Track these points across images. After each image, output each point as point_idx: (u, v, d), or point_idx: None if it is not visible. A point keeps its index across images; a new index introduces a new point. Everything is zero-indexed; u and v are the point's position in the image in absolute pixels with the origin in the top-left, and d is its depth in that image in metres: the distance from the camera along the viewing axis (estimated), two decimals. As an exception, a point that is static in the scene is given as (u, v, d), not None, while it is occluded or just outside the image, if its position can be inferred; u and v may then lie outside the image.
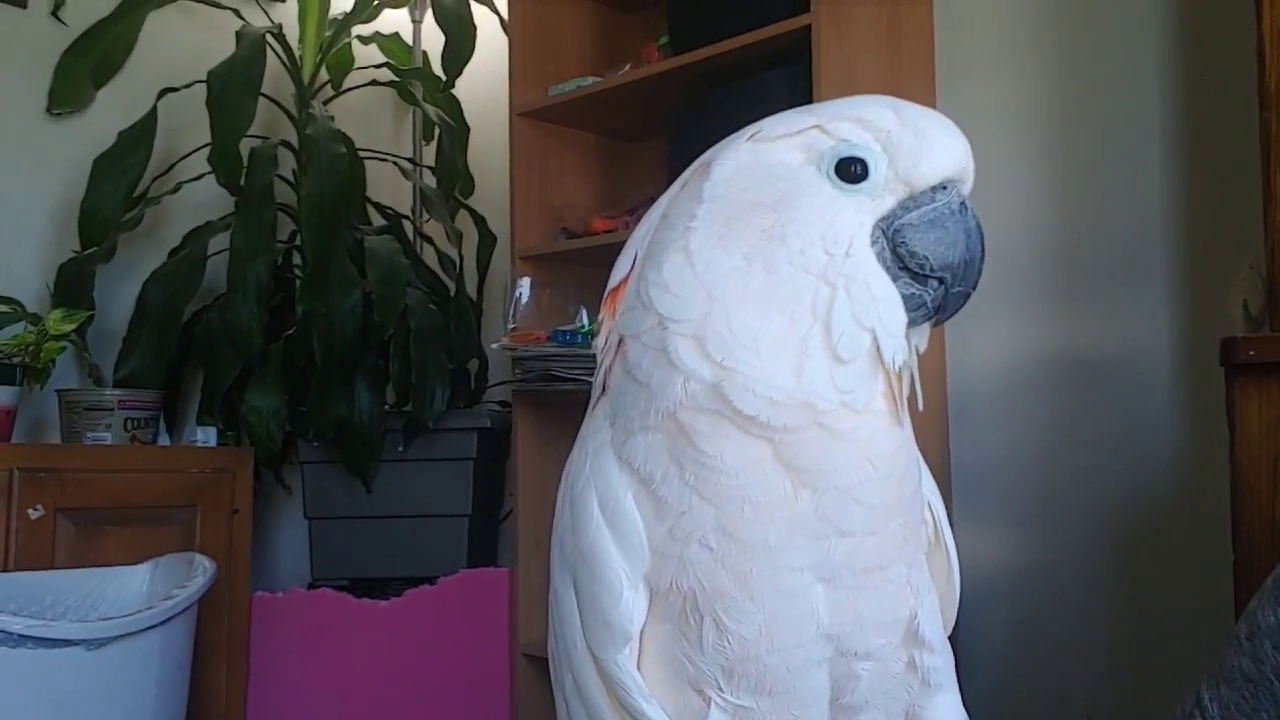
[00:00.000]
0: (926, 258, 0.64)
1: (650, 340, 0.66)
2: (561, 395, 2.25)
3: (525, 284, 2.42)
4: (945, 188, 0.65)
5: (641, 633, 0.66)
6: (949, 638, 0.73)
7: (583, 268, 2.44)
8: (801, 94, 2.00)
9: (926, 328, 0.68)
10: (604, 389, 0.72)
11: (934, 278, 0.65)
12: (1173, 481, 1.85)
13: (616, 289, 0.71)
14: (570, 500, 0.69)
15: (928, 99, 2.15)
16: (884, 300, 0.64)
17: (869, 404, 0.64)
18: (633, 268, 0.70)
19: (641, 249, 0.70)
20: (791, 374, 0.62)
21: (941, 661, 0.70)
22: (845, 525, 0.64)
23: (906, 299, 0.65)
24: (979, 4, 2.14)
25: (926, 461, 2.16)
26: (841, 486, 0.64)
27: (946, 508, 2.17)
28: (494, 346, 2.43)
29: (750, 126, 0.69)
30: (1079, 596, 1.96)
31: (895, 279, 0.65)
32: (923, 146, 0.64)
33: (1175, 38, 1.89)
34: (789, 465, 0.63)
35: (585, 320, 2.28)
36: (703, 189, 0.66)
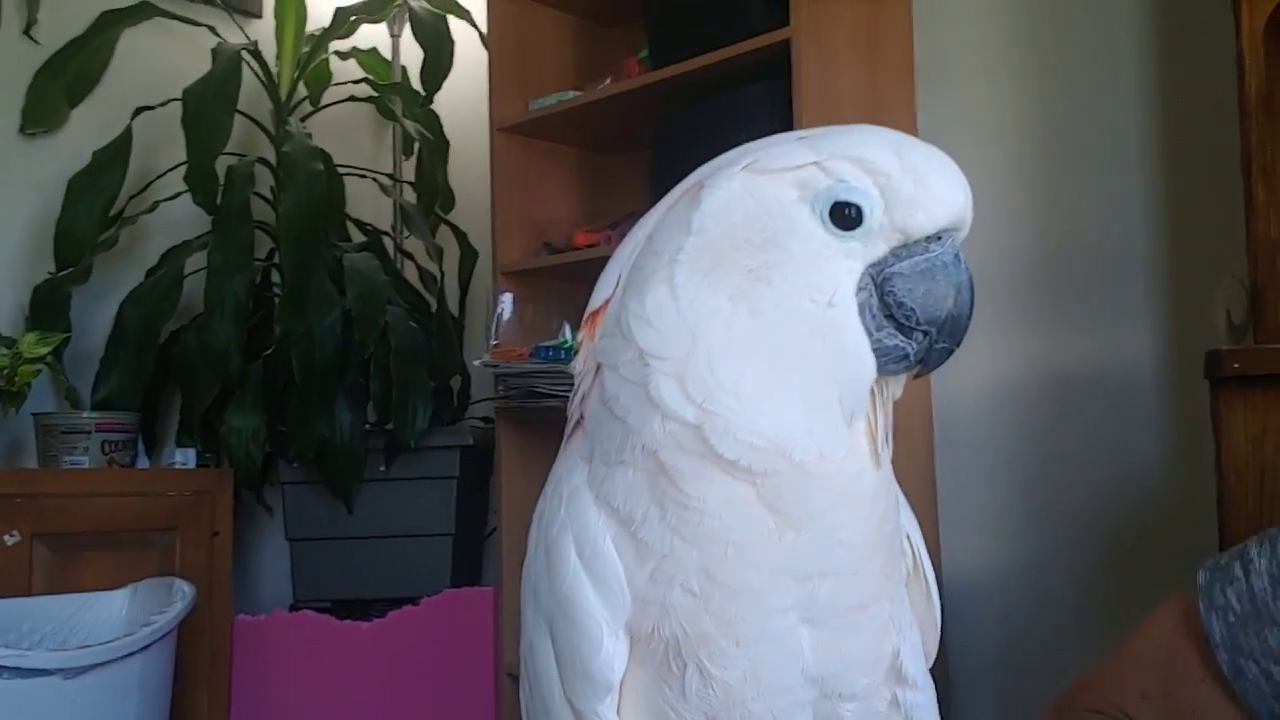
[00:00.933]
0: (914, 310, 0.63)
1: (629, 374, 0.64)
2: (545, 412, 2.23)
3: (507, 300, 2.41)
4: (940, 238, 0.63)
5: (622, 681, 0.64)
6: (931, 669, 0.72)
7: (565, 283, 2.42)
8: (782, 107, 2.00)
9: (903, 377, 0.66)
10: (580, 418, 0.70)
11: (919, 330, 0.63)
12: (1159, 494, 1.85)
13: (598, 311, 0.69)
14: (545, 545, 0.67)
15: (907, 111, 2.15)
16: (852, 354, 0.62)
17: (849, 450, 0.63)
18: (615, 289, 0.68)
19: (625, 270, 0.68)
20: (771, 421, 0.61)
21: (924, 698, 0.69)
22: (829, 566, 0.62)
23: (889, 349, 0.63)
24: (959, 17, 2.13)
25: (913, 476, 2.16)
26: (824, 527, 0.62)
27: (933, 522, 2.18)
28: (476, 363, 2.42)
29: (747, 151, 0.66)
30: (1069, 610, 1.95)
31: (880, 328, 0.63)
32: (921, 195, 0.62)
33: (1154, 48, 1.89)
34: (771, 507, 0.61)
35: (568, 336, 2.27)
36: (692, 219, 0.64)
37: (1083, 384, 1.95)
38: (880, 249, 0.63)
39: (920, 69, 2.17)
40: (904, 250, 0.63)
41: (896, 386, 0.66)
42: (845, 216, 0.62)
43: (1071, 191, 1.98)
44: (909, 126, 2.15)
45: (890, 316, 0.63)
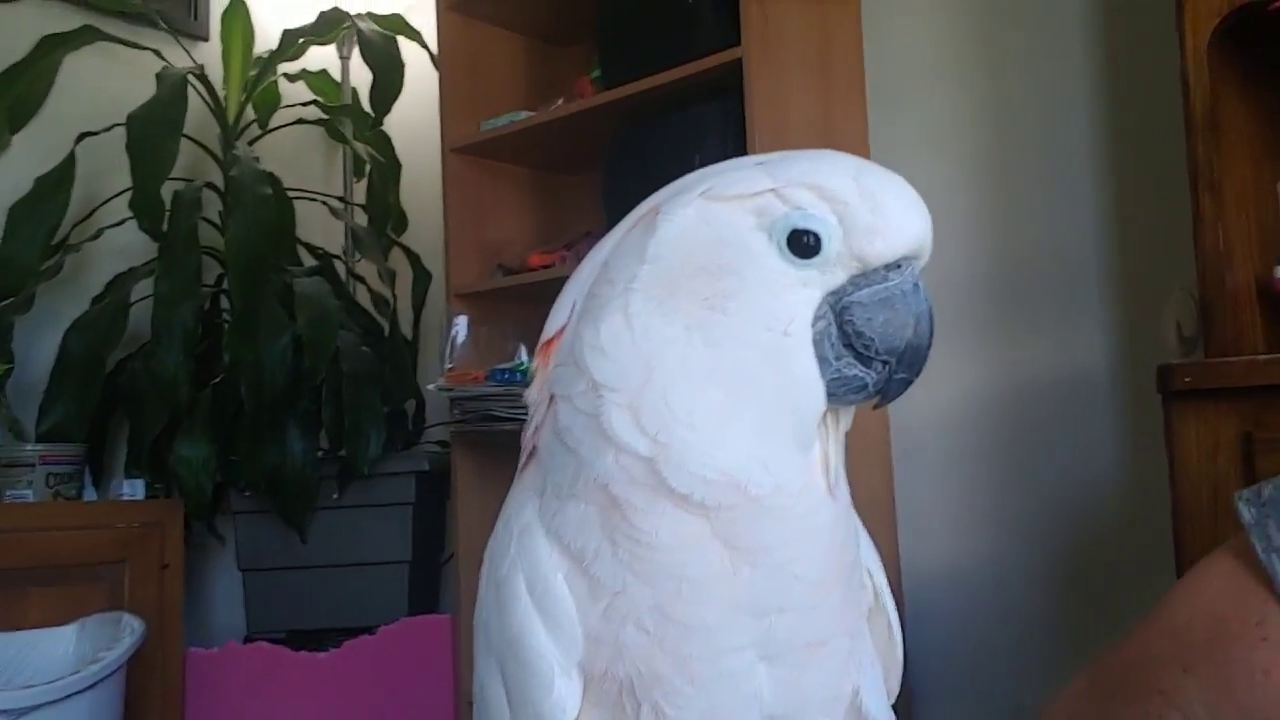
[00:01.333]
0: (873, 339, 0.61)
1: (583, 405, 0.62)
2: (501, 435, 2.21)
3: (461, 322, 2.38)
4: (899, 266, 0.62)
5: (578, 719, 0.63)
6: (895, 705, 0.70)
7: (520, 304, 2.41)
8: (734, 125, 2.00)
9: (853, 409, 0.65)
10: (533, 449, 0.68)
11: (879, 360, 0.62)
12: (1116, 502, 1.86)
13: (552, 339, 0.68)
14: (495, 583, 0.65)
15: (859, 128, 2.16)
16: (802, 384, 0.61)
17: (805, 483, 0.62)
18: (570, 317, 0.67)
19: (580, 298, 0.66)
20: (726, 453, 0.60)
21: None
22: (786, 601, 0.61)
23: (848, 379, 0.62)
24: (908, 34, 2.15)
25: (872, 486, 2.16)
26: (780, 562, 0.61)
27: (892, 532, 2.18)
28: (431, 387, 2.39)
29: (704, 176, 0.65)
30: (1028, 618, 1.95)
31: (839, 357, 0.62)
32: (879, 223, 0.60)
33: (1102, 65, 1.91)
34: (726, 542, 0.60)
35: (524, 358, 2.25)
36: (647, 247, 0.63)
37: (1038, 395, 1.96)
38: (839, 277, 0.62)
39: (871, 86, 2.18)
40: (863, 279, 0.62)
41: (847, 418, 0.65)
42: (803, 244, 0.61)
43: (1023, 206, 1.99)
44: (861, 143, 2.16)
45: (849, 346, 0.62)
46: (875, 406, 0.65)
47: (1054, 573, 1.93)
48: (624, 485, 0.60)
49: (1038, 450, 1.95)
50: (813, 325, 0.61)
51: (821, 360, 0.61)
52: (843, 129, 2.12)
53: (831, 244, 0.61)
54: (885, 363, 0.62)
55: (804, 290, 0.61)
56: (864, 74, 2.19)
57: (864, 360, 0.62)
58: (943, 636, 2.05)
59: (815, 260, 0.61)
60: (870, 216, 0.60)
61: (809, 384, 0.61)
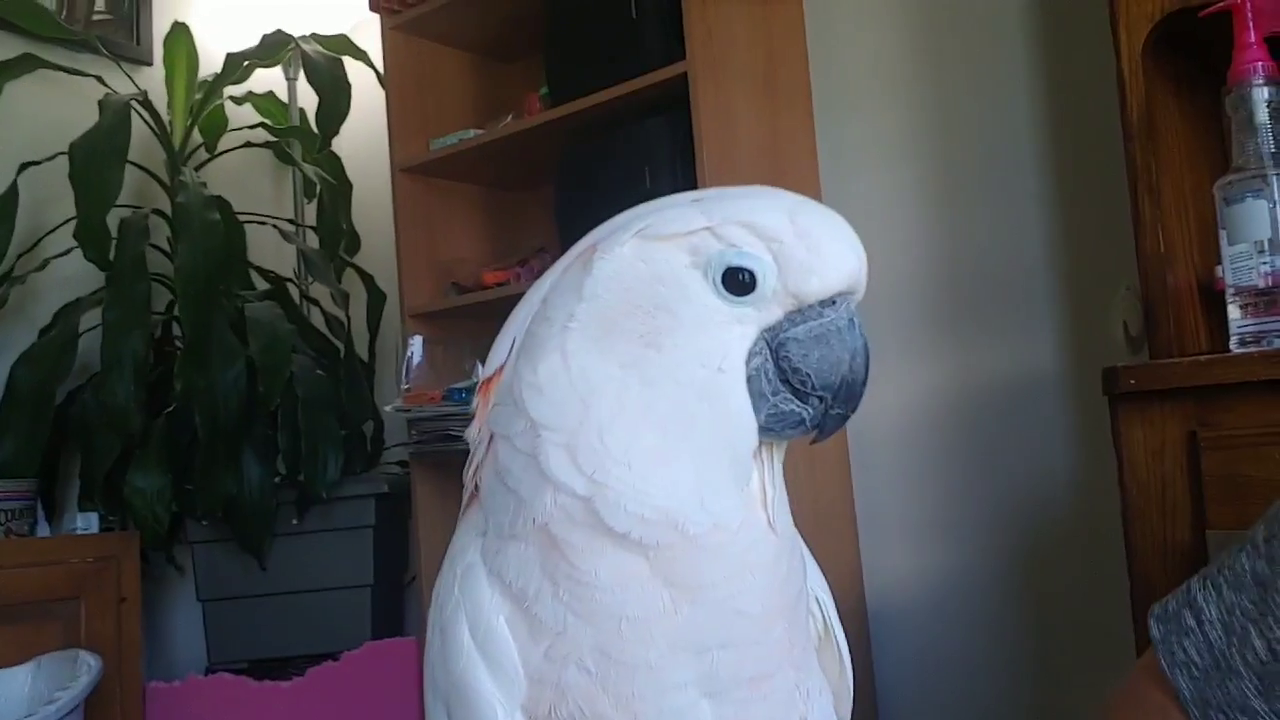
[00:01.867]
0: (809, 375, 0.62)
1: (522, 444, 0.62)
2: (460, 455, 2.18)
3: (417, 342, 2.37)
4: (835, 303, 0.62)
5: None
6: (858, 713, 0.71)
7: (476, 322, 2.40)
8: (682, 138, 2.00)
9: (785, 444, 0.66)
10: (475, 489, 0.68)
11: (815, 395, 0.62)
12: (1069, 503, 1.88)
13: (491, 378, 0.67)
14: (440, 627, 0.65)
15: (806, 140, 2.17)
16: (735, 419, 0.61)
17: (745, 519, 0.61)
18: (510, 355, 0.67)
19: (520, 336, 0.66)
20: (662, 491, 0.59)
21: None
22: (728, 637, 0.61)
23: (785, 415, 0.62)
24: (852, 45, 2.16)
25: (831, 494, 2.16)
26: (721, 598, 0.60)
27: (853, 538, 2.19)
28: (388, 409, 2.37)
29: (640, 214, 0.65)
30: (987, 625, 1.97)
31: (776, 393, 0.62)
32: (814, 261, 0.61)
33: (1042, 71, 1.94)
34: (665, 580, 0.60)
35: (480, 376, 2.24)
36: (583, 285, 0.63)
37: (991, 399, 1.98)
38: (775, 314, 0.62)
39: (817, 97, 2.20)
40: (798, 315, 0.62)
41: (782, 452, 0.65)
42: (738, 282, 0.61)
43: (970, 213, 2.01)
44: (808, 154, 2.17)
45: (786, 381, 0.62)
46: (812, 442, 0.65)
47: (1010, 574, 1.95)
48: (563, 525, 0.60)
49: (992, 454, 1.97)
50: (748, 362, 0.61)
51: (758, 396, 0.61)
52: (790, 140, 2.14)
53: (767, 281, 0.61)
54: (821, 398, 0.62)
55: (739, 327, 0.61)
56: (810, 85, 2.20)
57: (800, 396, 0.62)
58: (904, 641, 2.06)
59: (750, 297, 0.61)
60: (805, 254, 0.61)
61: (742, 419, 0.61)
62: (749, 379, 0.61)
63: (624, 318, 0.61)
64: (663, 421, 0.60)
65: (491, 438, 0.65)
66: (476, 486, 0.67)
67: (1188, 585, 0.94)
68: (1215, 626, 0.89)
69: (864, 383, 0.63)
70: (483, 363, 2.28)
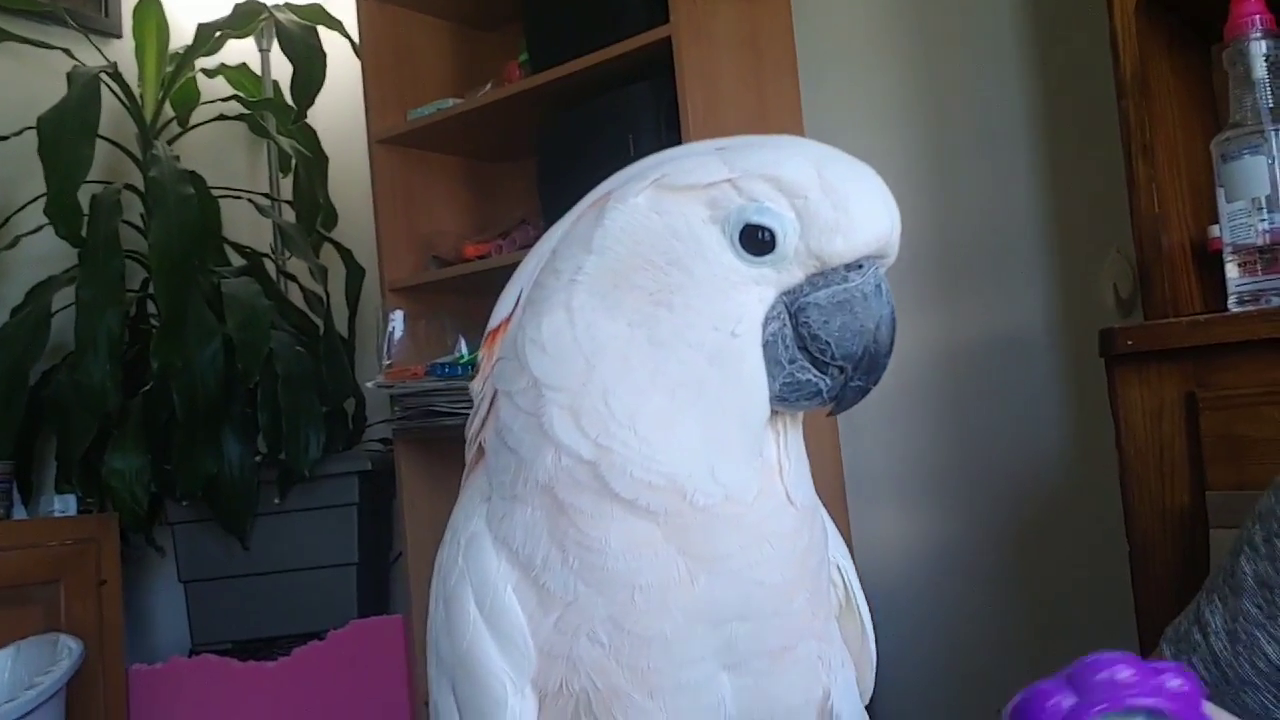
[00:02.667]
0: (829, 344, 0.58)
1: (524, 403, 0.59)
2: (444, 431, 2.17)
3: (398, 317, 2.33)
4: (861, 266, 0.58)
5: None
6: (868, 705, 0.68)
7: (457, 296, 2.36)
8: (667, 104, 1.97)
9: (802, 413, 0.62)
10: (480, 448, 0.65)
11: (834, 365, 0.58)
12: (1064, 467, 1.87)
13: (497, 329, 0.64)
14: (444, 598, 0.62)
15: (792, 103, 2.14)
16: (747, 386, 0.57)
17: (762, 489, 0.58)
18: (516, 307, 0.63)
19: (527, 287, 0.63)
20: (670, 458, 0.56)
21: None
22: (747, 609, 0.58)
23: (801, 385, 0.58)
24: (838, 7, 2.13)
25: (820, 459, 2.15)
26: (738, 569, 0.57)
27: (841, 504, 2.17)
28: (369, 385, 2.34)
29: (660, 162, 0.61)
30: (978, 590, 1.96)
31: (793, 360, 0.58)
32: (840, 220, 0.56)
33: (1032, 30, 1.91)
34: (680, 549, 0.57)
35: (464, 350, 2.21)
36: (593, 238, 0.59)
37: (980, 363, 1.96)
38: (796, 276, 0.58)
39: (802, 60, 2.17)
40: (821, 278, 0.58)
41: (798, 422, 0.62)
42: (757, 240, 0.57)
43: (960, 175, 1.99)
44: (794, 117, 2.14)
45: (805, 349, 0.58)
46: (830, 414, 0.62)
47: (1002, 538, 1.94)
48: (569, 489, 0.57)
49: (982, 417, 1.96)
50: (765, 326, 0.58)
51: (774, 363, 0.58)
52: (776, 105, 2.11)
53: (787, 241, 0.57)
54: (841, 369, 0.59)
55: (756, 289, 0.57)
56: (795, 49, 2.17)
57: (819, 365, 0.58)
58: (894, 606, 2.05)
59: (770, 257, 0.57)
60: (831, 212, 0.56)
61: (755, 387, 0.57)
62: (765, 344, 0.58)
63: (634, 273, 0.58)
64: (671, 385, 0.57)
65: (495, 394, 0.62)
66: (481, 447, 0.64)
67: (1196, 601, 0.90)
68: (1220, 637, 0.85)
69: (888, 354, 0.59)
70: (465, 338, 2.23)
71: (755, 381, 0.57)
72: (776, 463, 0.60)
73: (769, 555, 0.58)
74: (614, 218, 0.59)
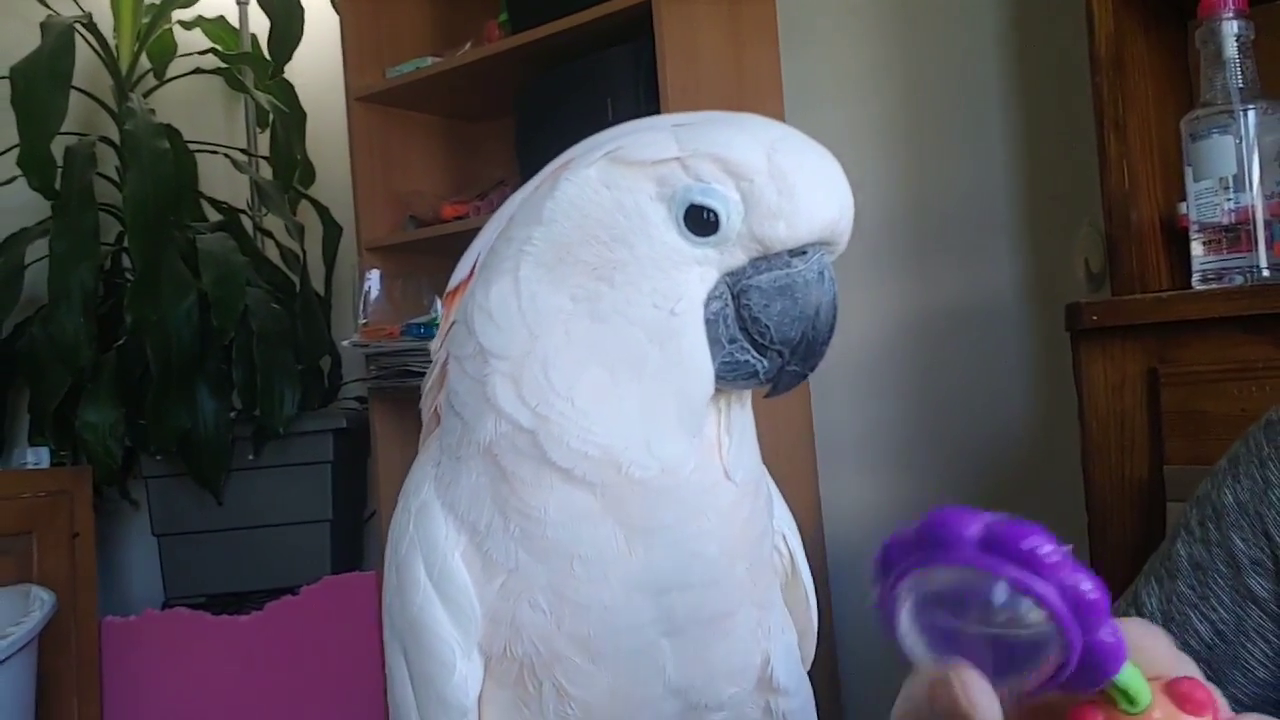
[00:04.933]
0: (768, 327, 0.58)
1: (471, 368, 0.60)
2: (419, 391, 2.17)
3: (374, 276, 2.33)
4: (806, 253, 0.58)
5: (481, 699, 0.61)
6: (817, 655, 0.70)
7: (434, 257, 2.36)
8: (646, 68, 1.96)
9: (748, 392, 0.63)
10: (436, 415, 0.66)
11: (773, 349, 0.59)
12: (1029, 440, 1.89)
13: (455, 291, 0.65)
14: (396, 565, 0.63)
15: (771, 70, 2.14)
16: (689, 366, 0.58)
17: (700, 463, 0.59)
18: (472, 272, 0.64)
19: (484, 253, 0.63)
20: (606, 430, 0.57)
21: (798, 703, 0.67)
22: (684, 579, 0.59)
23: (739, 365, 0.58)
24: (818, -27, 2.13)
25: (791, 424, 2.15)
26: (676, 540, 0.58)
27: (812, 469, 2.18)
28: (345, 344, 2.34)
29: (617, 134, 0.61)
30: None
31: (733, 340, 0.58)
32: (784, 206, 0.56)
33: (1012, 6, 1.91)
34: (619, 520, 0.57)
35: (440, 309, 2.21)
36: (544, 208, 0.59)
37: (951, 333, 1.98)
38: (739, 258, 0.58)
39: (783, 28, 2.16)
40: (765, 262, 0.58)
41: (744, 400, 0.62)
42: (702, 220, 0.57)
43: (935, 145, 2.00)
44: (773, 84, 2.14)
45: (745, 330, 0.58)
46: (767, 396, 0.62)
47: (968, 504, 1.96)
48: (510, 456, 0.58)
49: (952, 387, 1.98)
50: (707, 305, 0.58)
51: (714, 343, 0.58)
52: (755, 71, 2.10)
53: (731, 223, 0.57)
54: (780, 353, 0.59)
55: (698, 269, 0.58)
56: (775, 15, 2.16)
57: (758, 347, 0.59)
58: (862, 572, 2.08)
59: (713, 238, 0.57)
60: (775, 198, 0.56)
61: (695, 366, 0.58)
62: (706, 323, 0.58)
63: (579, 247, 0.58)
64: (610, 360, 0.57)
65: (447, 358, 0.63)
66: (436, 412, 0.65)
67: (1134, 585, 0.93)
68: (1155, 617, 0.87)
69: (826, 341, 0.60)
70: (441, 297, 2.25)
71: (694, 359, 0.58)
72: (716, 440, 0.60)
73: (707, 528, 0.59)
74: (565, 189, 0.59)
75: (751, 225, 0.57)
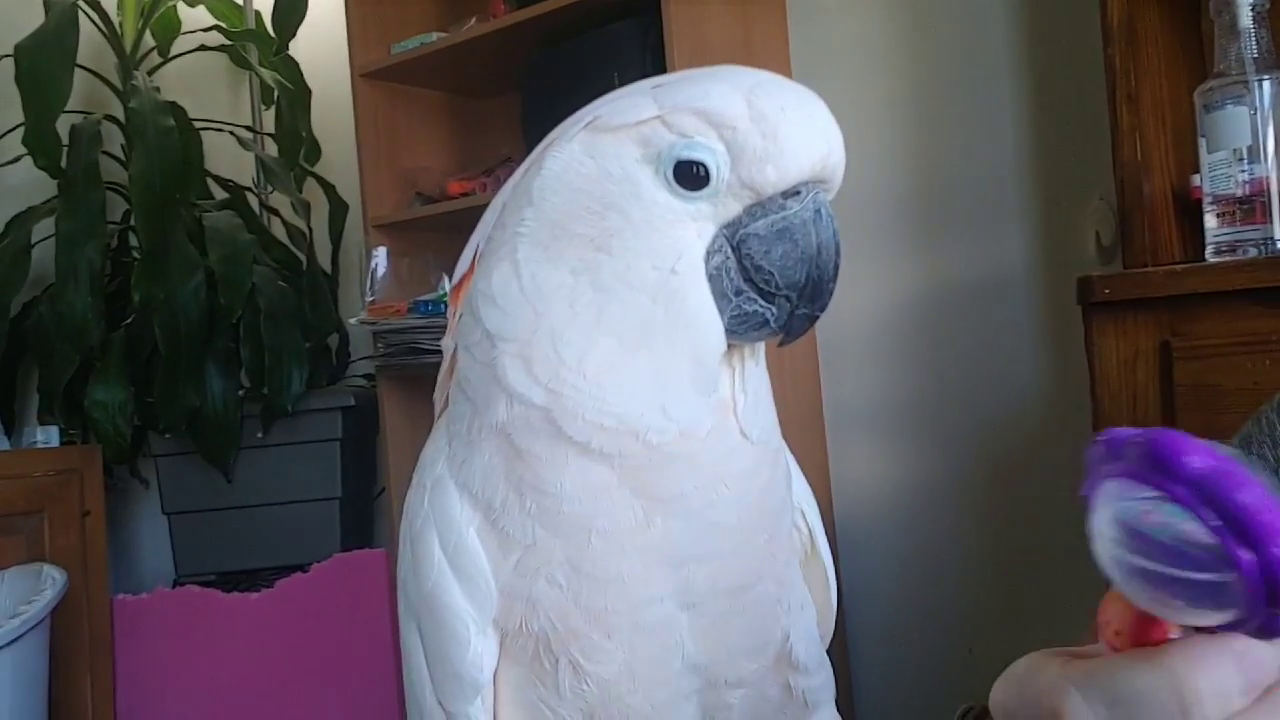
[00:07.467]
0: (771, 273, 0.57)
1: (479, 355, 0.60)
2: (427, 368, 2.17)
3: (381, 254, 2.33)
4: (799, 193, 0.57)
5: (497, 675, 0.61)
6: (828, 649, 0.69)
7: (441, 233, 2.35)
8: (653, 42, 1.95)
9: (761, 346, 0.62)
10: (446, 403, 0.65)
11: (780, 295, 0.58)
12: (1039, 412, 1.89)
13: (460, 284, 0.64)
14: (411, 540, 0.63)
15: (779, 44, 2.12)
16: (697, 323, 0.57)
17: (717, 427, 0.58)
18: (473, 263, 0.63)
19: (482, 242, 0.63)
20: (620, 399, 0.56)
21: (818, 681, 0.66)
22: (704, 549, 0.58)
23: (749, 316, 0.58)
24: (826, -56, 2.10)
25: (800, 400, 2.15)
26: (694, 510, 0.58)
27: (821, 444, 2.18)
28: (352, 322, 2.34)
29: (596, 106, 0.60)
30: (954, 529, 1.99)
31: (739, 293, 0.58)
32: (770, 149, 0.56)
33: (1019, -27, 1.89)
34: (636, 491, 0.57)
35: (447, 287, 2.21)
36: (532, 188, 0.59)
37: (961, 305, 1.97)
38: (733, 208, 0.57)
39: (791, 0, 2.14)
40: (759, 208, 0.57)
41: (757, 357, 0.62)
42: (692, 175, 0.56)
43: (943, 118, 1.98)
44: (781, 58, 2.13)
45: (750, 280, 0.58)
46: (780, 343, 0.62)
47: (978, 478, 1.96)
48: (524, 434, 0.58)
49: (961, 359, 1.97)
50: (708, 261, 0.57)
51: (720, 297, 0.58)
52: (762, 45, 2.09)
53: (720, 174, 0.56)
54: (788, 298, 0.58)
55: (694, 224, 0.57)
56: (783, -13, 2.15)
57: (765, 296, 0.58)
58: (871, 543, 2.08)
59: (704, 192, 0.57)
60: (760, 141, 0.56)
61: (704, 323, 0.57)
62: (710, 279, 0.57)
63: (572, 220, 0.58)
64: (618, 327, 0.57)
65: (455, 349, 0.63)
66: (447, 401, 0.65)
67: (1263, 409, 0.89)
68: None
69: (833, 279, 0.59)
70: (449, 275, 2.23)
71: (702, 316, 0.57)
72: (730, 398, 0.60)
73: (725, 496, 0.58)
74: (550, 165, 0.59)
75: (740, 173, 0.56)
